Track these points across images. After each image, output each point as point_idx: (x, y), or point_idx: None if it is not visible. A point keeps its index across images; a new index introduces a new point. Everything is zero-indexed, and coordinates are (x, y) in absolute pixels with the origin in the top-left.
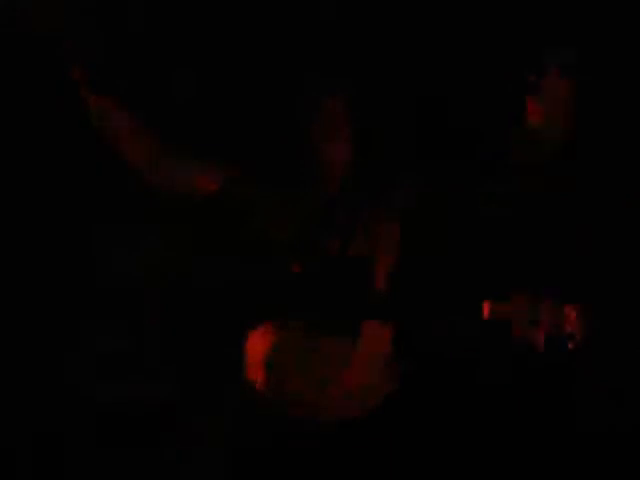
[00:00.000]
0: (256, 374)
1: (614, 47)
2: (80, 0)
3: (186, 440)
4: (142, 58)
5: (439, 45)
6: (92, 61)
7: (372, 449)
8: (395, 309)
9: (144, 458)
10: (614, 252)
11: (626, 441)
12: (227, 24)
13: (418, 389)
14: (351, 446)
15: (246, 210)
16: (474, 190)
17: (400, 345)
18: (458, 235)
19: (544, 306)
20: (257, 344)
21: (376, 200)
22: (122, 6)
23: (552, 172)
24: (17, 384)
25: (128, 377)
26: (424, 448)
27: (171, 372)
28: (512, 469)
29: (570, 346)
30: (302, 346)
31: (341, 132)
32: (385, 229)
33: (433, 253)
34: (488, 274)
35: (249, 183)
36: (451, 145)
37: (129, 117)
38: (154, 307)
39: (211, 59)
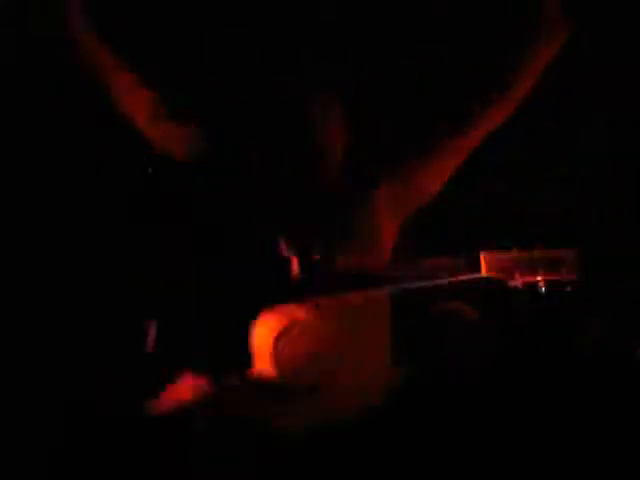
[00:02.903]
0: (265, 366)
1: None
2: None
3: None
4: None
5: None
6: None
7: (372, 449)
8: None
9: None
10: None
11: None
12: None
13: (418, 389)
14: (351, 446)
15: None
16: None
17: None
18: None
19: (539, 252)
20: (263, 335)
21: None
22: None
23: None
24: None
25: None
26: (425, 446)
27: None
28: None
29: (568, 289)
30: (310, 332)
31: (337, 123)
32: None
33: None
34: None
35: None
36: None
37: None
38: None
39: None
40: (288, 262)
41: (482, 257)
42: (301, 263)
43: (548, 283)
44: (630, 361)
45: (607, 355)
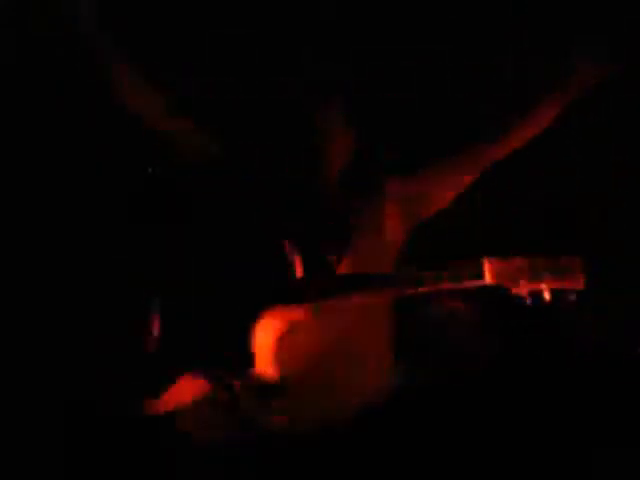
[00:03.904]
0: (266, 366)
1: None
2: None
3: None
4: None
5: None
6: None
7: (373, 448)
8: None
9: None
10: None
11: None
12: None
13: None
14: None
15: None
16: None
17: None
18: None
19: (544, 261)
20: (264, 336)
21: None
22: None
23: None
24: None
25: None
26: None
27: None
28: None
29: (572, 298)
30: (308, 335)
31: (339, 124)
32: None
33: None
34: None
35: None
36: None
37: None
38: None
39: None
40: (290, 263)
41: (485, 263)
42: (303, 264)
43: (553, 291)
44: (630, 361)
45: (607, 355)
